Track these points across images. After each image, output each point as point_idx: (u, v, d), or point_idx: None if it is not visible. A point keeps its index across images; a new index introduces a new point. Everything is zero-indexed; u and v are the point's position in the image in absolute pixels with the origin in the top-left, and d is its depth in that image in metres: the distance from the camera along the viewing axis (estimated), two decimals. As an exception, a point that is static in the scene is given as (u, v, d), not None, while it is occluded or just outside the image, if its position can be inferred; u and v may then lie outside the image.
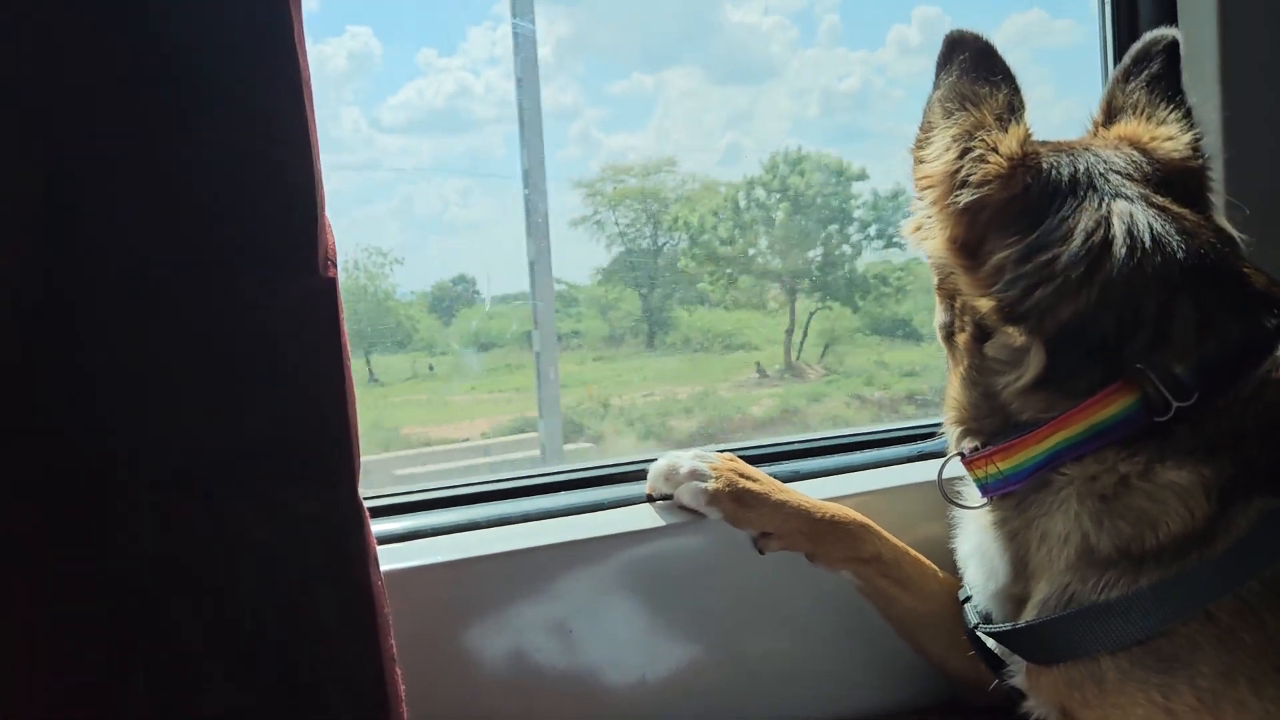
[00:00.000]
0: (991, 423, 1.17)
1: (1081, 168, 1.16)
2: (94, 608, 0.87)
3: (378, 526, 1.33)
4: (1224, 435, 1.05)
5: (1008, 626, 1.16)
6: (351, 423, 0.96)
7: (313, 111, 0.96)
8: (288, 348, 0.91)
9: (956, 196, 1.16)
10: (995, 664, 1.23)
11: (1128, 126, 1.26)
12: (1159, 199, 1.14)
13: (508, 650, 1.33)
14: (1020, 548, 1.17)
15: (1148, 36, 1.31)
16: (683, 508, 1.39)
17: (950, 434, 1.26)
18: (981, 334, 1.17)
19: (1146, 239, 1.09)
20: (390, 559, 1.26)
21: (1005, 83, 1.20)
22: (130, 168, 0.86)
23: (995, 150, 1.16)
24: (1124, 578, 1.05)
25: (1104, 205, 1.12)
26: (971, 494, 1.26)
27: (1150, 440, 1.07)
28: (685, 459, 1.40)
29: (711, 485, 1.36)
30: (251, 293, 0.90)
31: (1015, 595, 1.20)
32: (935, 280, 1.26)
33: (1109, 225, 1.10)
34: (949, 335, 1.25)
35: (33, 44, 0.82)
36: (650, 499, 1.45)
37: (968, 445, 1.21)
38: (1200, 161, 1.23)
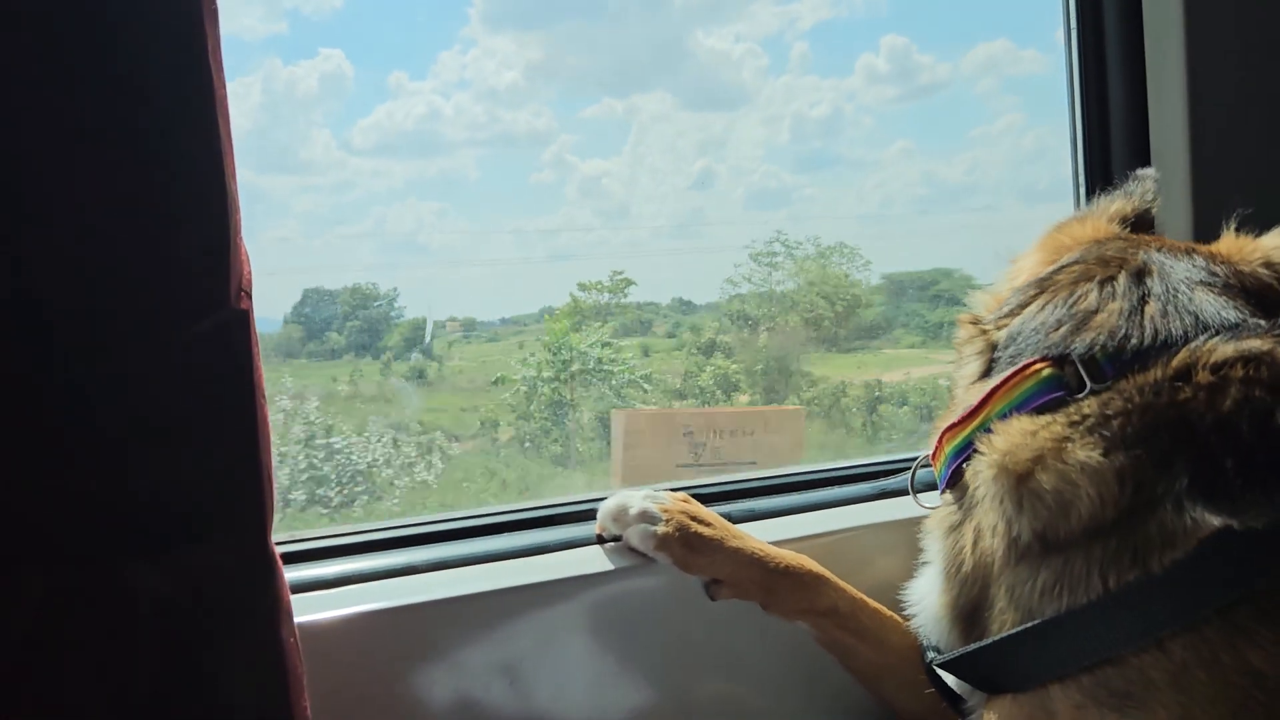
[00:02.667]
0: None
1: (1128, 251, 1.19)
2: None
3: (303, 572, 1.27)
4: (1136, 425, 1.00)
5: (956, 654, 1.10)
6: (264, 464, 0.89)
7: (229, 135, 0.90)
8: (192, 387, 0.85)
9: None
10: (956, 701, 1.17)
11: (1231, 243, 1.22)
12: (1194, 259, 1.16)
13: (448, 703, 1.26)
14: (955, 547, 1.14)
15: None
16: (633, 550, 1.33)
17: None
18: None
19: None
20: (318, 607, 1.19)
21: (1127, 196, 1.35)
22: (29, 199, 0.80)
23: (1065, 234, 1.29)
24: (1061, 585, 1.00)
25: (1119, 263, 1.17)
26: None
27: (1060, 417, 1.05)
28: (635, 499, 1.34)
29: (661, 529, 1.30)
30: (154, 330, 0.83)
31: (958, 612, 1.13)
32: None
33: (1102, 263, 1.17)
34: None
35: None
36: (600, 540, 1.39)
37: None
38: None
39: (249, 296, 0.91)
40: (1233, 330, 1.04)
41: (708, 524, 1.33)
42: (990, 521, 1.07)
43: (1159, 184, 1.40)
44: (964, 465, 1.14)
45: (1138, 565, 0.96)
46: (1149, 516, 0.97)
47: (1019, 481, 1.04)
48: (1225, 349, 1.01)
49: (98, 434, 0.80)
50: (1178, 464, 0.97)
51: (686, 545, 1.30)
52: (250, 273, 0.93)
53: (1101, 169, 1.92)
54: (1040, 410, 1.07)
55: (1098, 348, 1.07)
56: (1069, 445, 1.02)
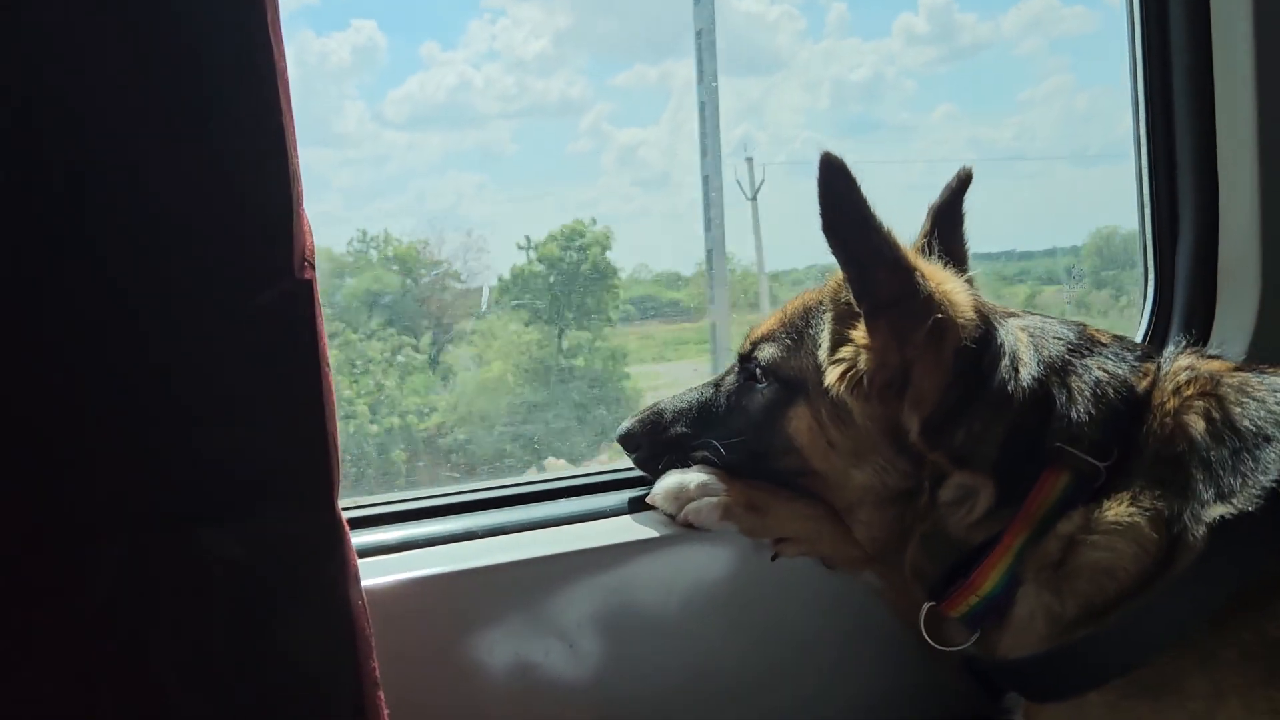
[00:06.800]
0: (948, 561, 1.18)
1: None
2: (63, 639, 0.83)
3: (368, 536, 1.29)
4: (1147, 468, 1.08)
5: (996, 660, 1.17)
6: (330, 433, 0.91)
7: (289, 107, 0.90)
8: (259, 359, 0.86)
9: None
10: (993, 693, 1.22)
11: None
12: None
13: (505, 664, 1.28)
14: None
15: None
16: (689, 527, 1.33)
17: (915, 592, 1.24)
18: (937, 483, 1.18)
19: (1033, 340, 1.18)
20: (382, 571, 1.21)
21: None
22: (99, 179, 0.81)
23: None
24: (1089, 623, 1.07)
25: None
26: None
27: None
28: (692, 475, 1.33)
29: (723, 498, 1.30)
30: (221, 304, 0.85)
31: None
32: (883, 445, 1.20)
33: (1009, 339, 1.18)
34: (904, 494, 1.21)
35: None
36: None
37: (932, 591, 1.21)
38: None
39: (312, 266, 0.92)
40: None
41: (762, 487, 1.33)
42: (1023, 613, 1.13)
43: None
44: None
45: (1163, 579, 1.04)
46: (1180, 539, 1.04)
47: (1054, 570, 1.11)
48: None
49: (171, 404, 0.82)
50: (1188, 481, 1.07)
51: (751, 508, 1.30)
52: (313, 243, 0.94)
53: (1164, 128, 1.86)
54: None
55: (1091, 430, 1.11)
56: (1096, 513, 1.08)
